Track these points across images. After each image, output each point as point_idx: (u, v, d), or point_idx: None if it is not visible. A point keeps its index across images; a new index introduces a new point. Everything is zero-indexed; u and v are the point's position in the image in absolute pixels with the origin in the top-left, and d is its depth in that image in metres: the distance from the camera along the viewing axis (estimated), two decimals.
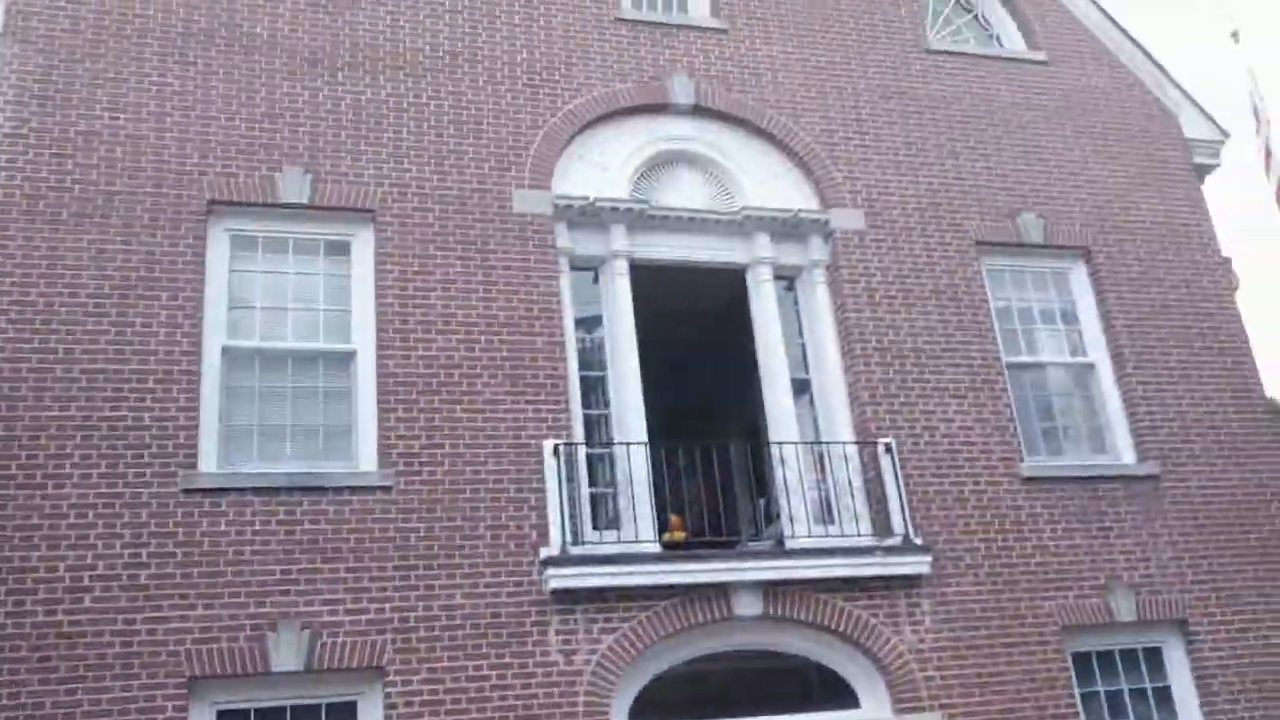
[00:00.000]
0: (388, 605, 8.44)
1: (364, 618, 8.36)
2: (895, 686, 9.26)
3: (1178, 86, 12.70)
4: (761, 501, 11.75)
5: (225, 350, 8.95)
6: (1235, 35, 15.17)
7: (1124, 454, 10.87)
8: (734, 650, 9.43)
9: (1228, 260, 11.94)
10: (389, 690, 8.23)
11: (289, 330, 9.25)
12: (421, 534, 8.70)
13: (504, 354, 9.42)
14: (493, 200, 9.93)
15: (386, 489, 8.76)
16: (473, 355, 9.35)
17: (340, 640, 8.24)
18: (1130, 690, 10.05)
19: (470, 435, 9.08)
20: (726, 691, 10.14)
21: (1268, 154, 14.00)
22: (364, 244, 9.62)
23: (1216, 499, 10.78)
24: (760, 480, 11.31)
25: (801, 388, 10.42)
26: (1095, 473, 10.55)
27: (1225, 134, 12.64)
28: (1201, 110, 12.66)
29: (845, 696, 9.45)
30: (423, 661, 8.35)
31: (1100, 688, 9.97)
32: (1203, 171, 12.46)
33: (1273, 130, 13.61)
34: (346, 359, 9.23)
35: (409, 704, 8.21)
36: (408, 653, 8.34)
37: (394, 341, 9.20)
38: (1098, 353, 11.28)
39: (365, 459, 8.91)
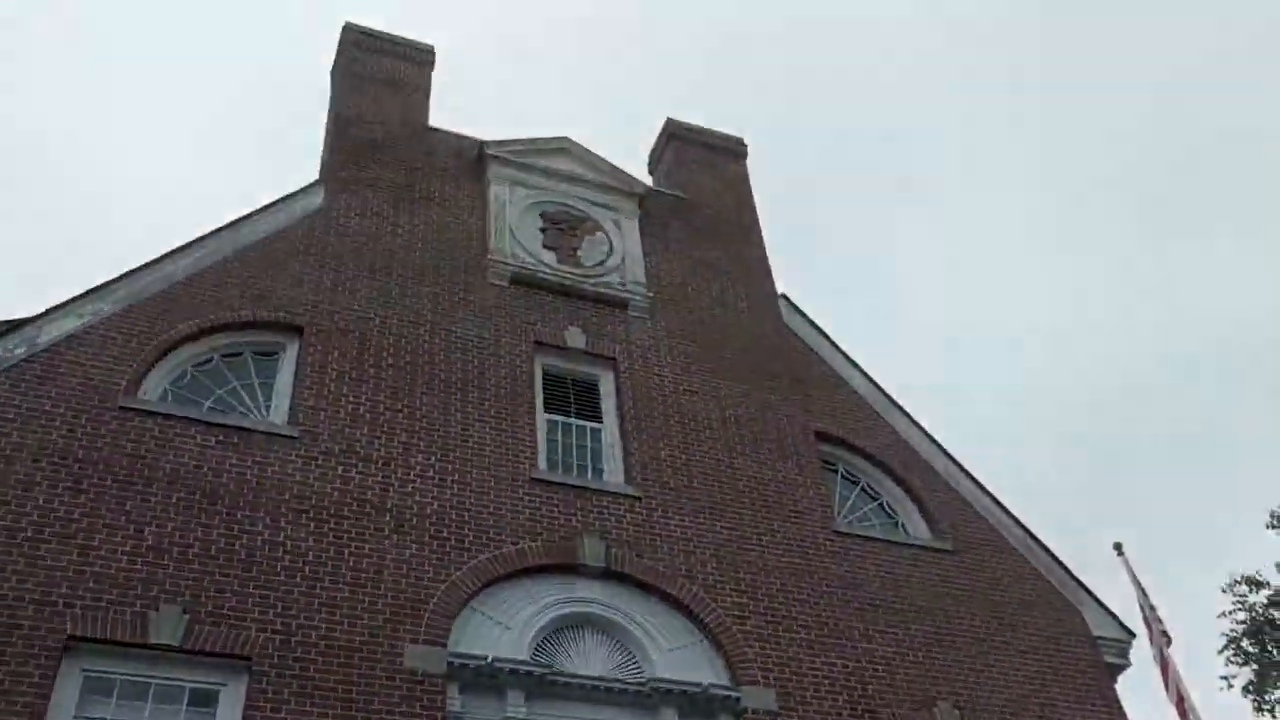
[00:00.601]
0: None
1: None
2: None
3: (1081, 585, 12.85)
4: None
5: None
6: (1119, 547, 15.67)
7: None
8: None
9: None
10: None
11: None
12: None
13: None
14: (383, 654, 9.23)
15: None
16: None
17: None
18: None
19: None
20: None
21: (1164, 666, 13.93)
22: (233, 695, 8.71)
23: None
24: None
25: None
26: None
27: (1131, 634, 12.64)
28: (1105, 609, 12.74)
29: None
30: None
31: None
32: (1114, 670, 12.28)
33: (1165, 643, 13.54)
34: None
35: None
36: None
37: None
38: None
39: None
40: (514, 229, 13.62)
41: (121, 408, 10.01)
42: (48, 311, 10.44)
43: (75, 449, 9.58)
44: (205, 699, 8.66)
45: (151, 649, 8.65)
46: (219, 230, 11.98)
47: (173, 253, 11.54)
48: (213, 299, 11.35)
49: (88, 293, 10.75)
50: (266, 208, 12.49)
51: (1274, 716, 22.15)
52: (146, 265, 11.28)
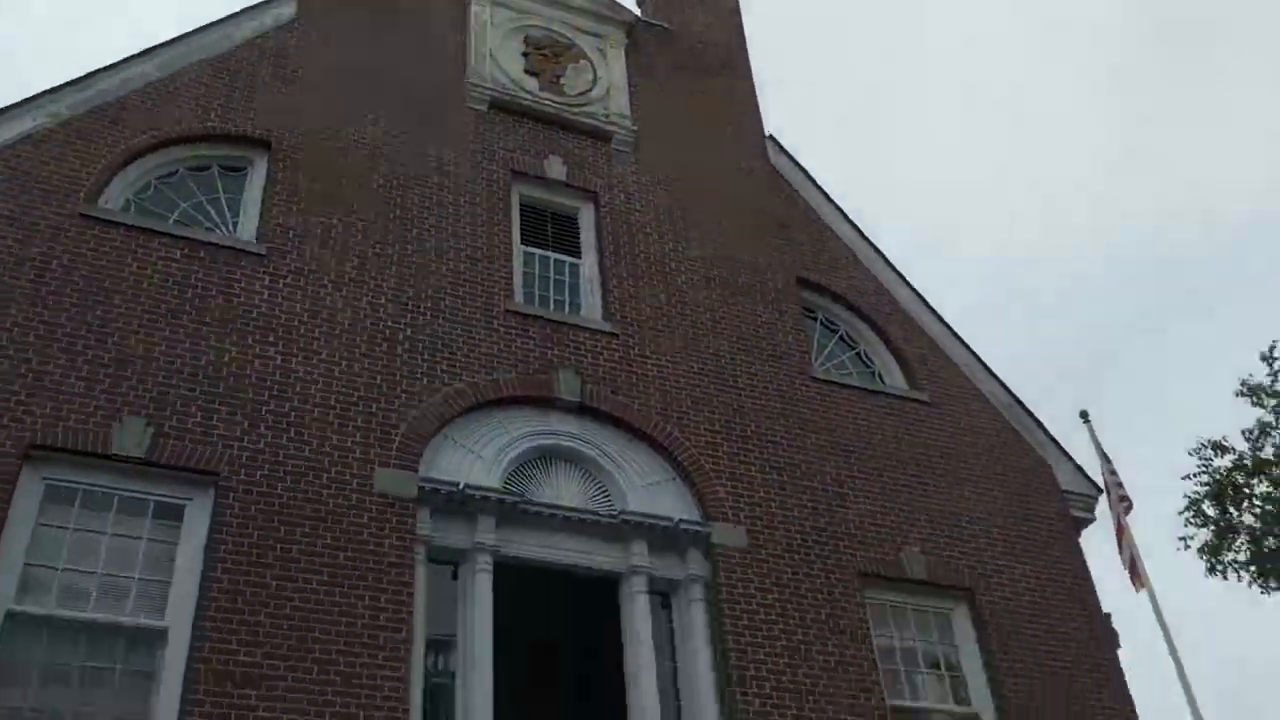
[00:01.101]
0: None
1: None
2: None
3: (1052, 439, 12.88)
4: None
5: (10, 615, 7.60)
6: (1084, 414, 15.62)
7: None
8: None
9: (1108, 616, 11.65)
10: None
11: (91, 599, 7.95)
12: None
13: (338, 647, 8.25)
14: (352, 476, 9.09)
15: None
16: (303, 647, 8.15)
17: None
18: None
19: None
20: None
21: (1119, 530, 14.10)
22: (200, 511, 8.57)
23: None
24: None
25: (672, 717, 9.38)
26: None
27: (1098, 489, 12.74)
28: (1074, 464, 12.81)
29: None
30: None
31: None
32: (1080, 524, 12.42)
33: (1124, 509, 13.64)
34: (155, 638, 7.93)
35: None
36: None
37: (215, 621, 7.98)
38: (982, 704, 10.57)
39: None
40: (494, 52, 13.02)
41: (82, 215, 9.58)
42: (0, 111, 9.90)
43: (33, 255, 9.18)
44: (171, 513, 8.50)
45: (116, 461, 8.45)
46: (185, 36, 11.34)
47: (135, 57, 10.93)
48: (176, 108, 10.81)
49: (43, 94, 10.18)
50: (235, 16, 11.83)
51: (1224, 578, 22.82)
52: (107, 68, 10.69)
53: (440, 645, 8.89)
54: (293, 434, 9.09)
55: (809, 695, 9.59)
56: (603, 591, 9.99)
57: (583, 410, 10.52)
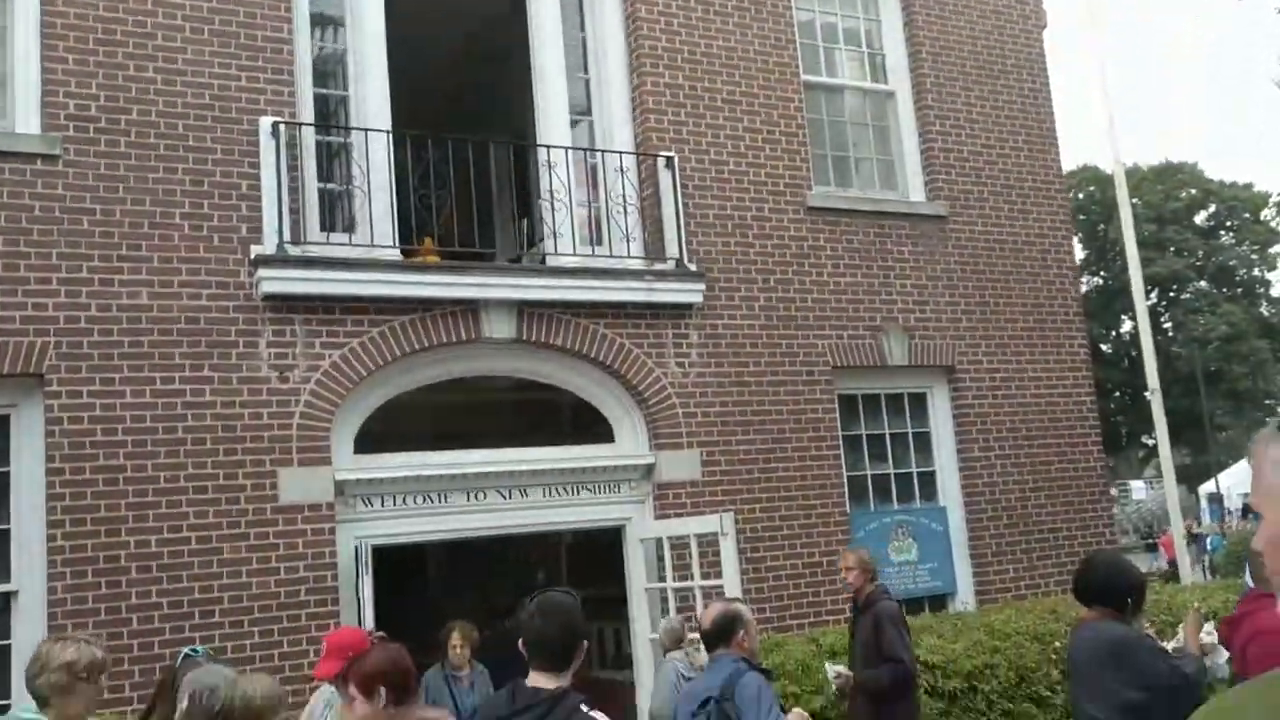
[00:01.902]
0: (51, 303, 6.82)
1: (19, 315, 6.73)
2: (654, 421, 8.50)
3: None
4: (525, 222, 10.52)
5: None
6: None
7: (913, 191, 10.19)
8: (482, 377, 8.41)
9: None
10: (50, 403, 6.74)
11: None
12: (98, 216, 7.02)
13: (213, 4, 7.56)
14: None
15: (52, 158, 6.96)
16: (173, 3, 7.44)
17: None
18: (892, 434, 9.73)
19: (165, 101, 7.31)
20: (473, 422, 9.19)
21: None
22: None
23: (999, 246, 10.33)
24: (525, 197, 10.03)
25: (579, 92, 9.06)
26: (883, 208, 9.84)
27: None
28: None
29: (601, 431, 8.66)
30: (96, 370, 6.86)
31: (864, 431, 9.59)
32: None
33: None
34: None
35: (76, 420, 6.76)
36: (75, 359, 6.82)
37: None
38: (899, 81, 10.38)
39: (22, 120, 7.05)
40: None
41: None
42: None
43: None
44: None
45: None
46: None
47: None
48: None
49: None
50: None
51: None
52: None
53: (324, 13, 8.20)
54: None
55: (723, 66, 9.27)
56: None
57: None
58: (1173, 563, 19.41)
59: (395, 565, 10.71)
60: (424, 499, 7.80)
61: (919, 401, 9.87)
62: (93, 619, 6.57)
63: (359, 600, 6.99)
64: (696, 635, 6.38)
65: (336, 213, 8.11)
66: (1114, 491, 27.06)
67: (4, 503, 6.73)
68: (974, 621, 8.40)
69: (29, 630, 6.54)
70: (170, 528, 6.87)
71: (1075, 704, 4.91)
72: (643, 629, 8.16)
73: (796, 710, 4.87)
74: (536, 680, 3.29)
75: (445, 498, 7.86)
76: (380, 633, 5.77)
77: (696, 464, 8.53)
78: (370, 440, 7.82)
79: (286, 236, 7.37)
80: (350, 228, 7.90)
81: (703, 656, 6.91)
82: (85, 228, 6.97)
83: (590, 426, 8.71)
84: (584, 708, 3.21)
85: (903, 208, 9.96)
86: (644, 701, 7.53)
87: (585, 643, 3.43)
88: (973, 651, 7.80)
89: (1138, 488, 43.95)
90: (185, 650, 4.68)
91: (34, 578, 6.63)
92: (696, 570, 7.79)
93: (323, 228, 7.88)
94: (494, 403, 9.35)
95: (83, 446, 6.75)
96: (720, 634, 4.80)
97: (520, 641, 3.37)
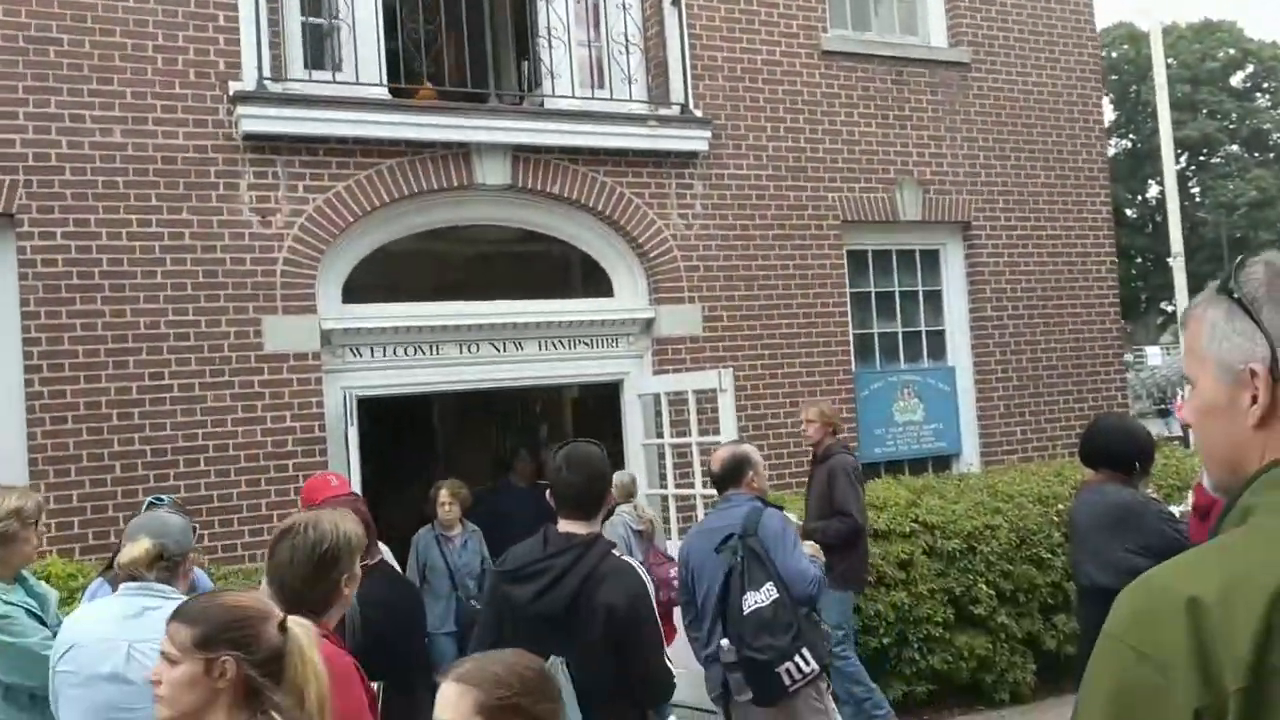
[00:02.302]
0: (18, 139, 6.49)
1: None
2: (655, 275, 8.20)
3: None
4: (525, 65, 10.02)
5: None
6: None
7: (935, 36, 9.64)
8: (474, 225, 8.10)
9: None
10: (23, 244, 6.48)
11: None
12: (65, 47, 6.62)
13: None
14: None
15: None
16: None
17: None
18: (902, 291, 9.42)
19: None
20: (464, 273, 8.93)
21: None
22: None
23: (1023, 99, 9.81)
24: (523, 39, 9.51)
25: None
26: (902, 53, 9.31)
27: None
28: None
29: (599, 284, 8.38)
30: (69, 211, 6.58)
31: (873, 288, 9.28)
32: None
33: None
34: None
35: (50, 263, 6.51)
36: (47, 199, 6.53)
37: None
38: None
39: None
40: None
41: None
42: None
43: None
44: None
45: None
46: None
47: None
48: None
49: None
50: None
51: None
52: None
53: None
54: None
55: None
56: None
57: None
58: (1186, 428, 19.28)
59: (398, 417, 10.64)
60: (415, 350, 7.58)
61: (931, 258, 9.53)
62: (74, 465, 6.47)
63: (347, 451, 6.84)
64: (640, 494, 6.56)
65: (323, 50, 7.67)
66: (1129, 357, 26.83)
67: None
68: (977, 483, 8.25)
69: (8, 476, 6.43)
70: (151, 375, 6.69)
71: (1076, 567, 4.78)
72: (640, 484, 8.03)
73: (810, 543, 5.06)
74: (567, 527, 3.47)
75: (437, 349, 7.64)
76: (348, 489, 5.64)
77: (698, 319, 8.27)
78: (361, 290, 7.58)
79: (267, 73, 6.98)
80: (336, 66, 7.47)
81: (649, 512, 7.05)
82: (52, 59, 6.59)
83: (588, 279, 8.42)
84: (615, 552, 3.47)
85: (923, 53, 9.43)
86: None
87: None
88: (974, 512, 7.67)
89: (1154, 353, 43.74)
90: (149, 499, 4.52)
91: (12, 423, 6.48)
92: (694, 426, 7.61)
93: (306, 65, 7.47)
94: (489, 254, 9.05)
95: (58, 290, 6.52)
96: (730, 475, 4.89)
97: (548, 491, 3.54)
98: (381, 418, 9.63)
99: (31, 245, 6.48)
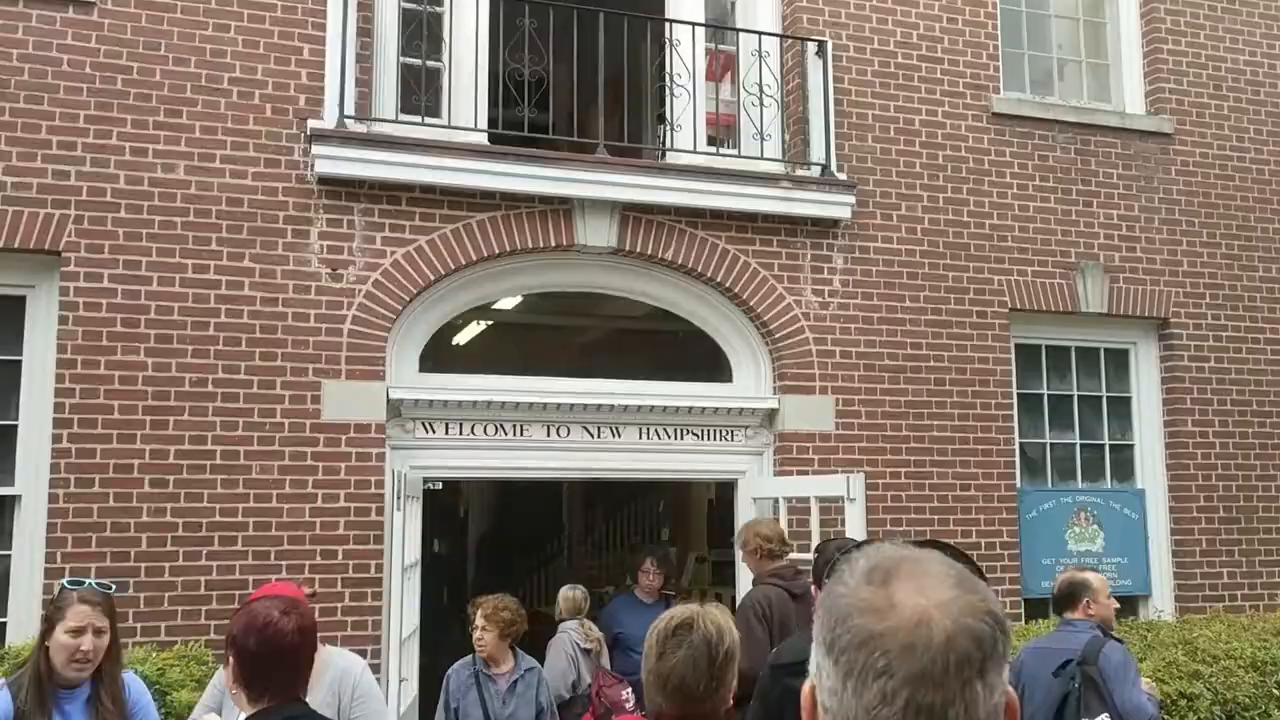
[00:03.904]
0: (74, 171, 5.93)
1: (37, 183, 5.87)
2: (781, 359, 7.06)
3: None
4: (657, 119, 9.13)
5: None
6: None
7: (1130, 102, 8.30)
8: (574, 292, 7.16)
9: None
10: (66, 285, 5.87)
11: None
12: (135, 76, 6.07)
13: None
14: None
15: (87, 5, 6.06)
16: None
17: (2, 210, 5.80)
18: (1081, 396, 7.97)
19: None
20: (560, 347, 7.98)
21: None
22: None
23: (1237, 175, 8.33)
24: (637, 87, 8.60)
25: None
26: (1090, 119, 8.00)
27: None
28: None
29: (716, 367, 7.27)
30: (120, 251, 5.95)
31: (1045, 390, 7.87)
32: None
33: None
34: None
35: (93, 307, 5.87)
36: (97, 237, 5.92)
37: None
38: None
39: None
40: None
41: None
42: None
43: None
44: None
45: None
46: None
47: None
48: None
49: None
50: None
51: None
52: None
53: None
54: None
55: None
56: None
57: None
58: None
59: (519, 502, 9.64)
60: (496, 429, 6.62)
61: (1119, 359, 8.05)
62: (96, 534, 5.72)
63: (390, 539, 5.88)
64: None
65: (417, 93, 6.92)
66: None
67: (13, 396, 5.92)
68: (1171, 636, 6.67)
69: (28, 542, 5.74)
70: (193, 438, 5.92)
71: None
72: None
73: (1149, 680, 5.02)
74: None
75: (521, 430, 6.66)
76: (311, 590, 4.67)
77: (830, 414, 7.05)
78: (440, 359, 6.71)
79: (349, 110, 6.27)
80: (429, 110, 6.70)
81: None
82: (119, 88, 6.04)
83: (703, 361, 7.34)
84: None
85: (1114, 120, 8.09)
86: None
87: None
88: (1166, 675, 6.10)
89: None
90: (65, 581, 3.63)
91: (35, 483, 5.80)
92: (814, 541, 6.33)
93: (403, 109, 6.73)
94: (589, 328, 8.09)
95: (99, 338, 5.86)
96: (1065, 598, 5.07)
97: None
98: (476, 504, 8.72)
99: (75, 287, 5.86)
